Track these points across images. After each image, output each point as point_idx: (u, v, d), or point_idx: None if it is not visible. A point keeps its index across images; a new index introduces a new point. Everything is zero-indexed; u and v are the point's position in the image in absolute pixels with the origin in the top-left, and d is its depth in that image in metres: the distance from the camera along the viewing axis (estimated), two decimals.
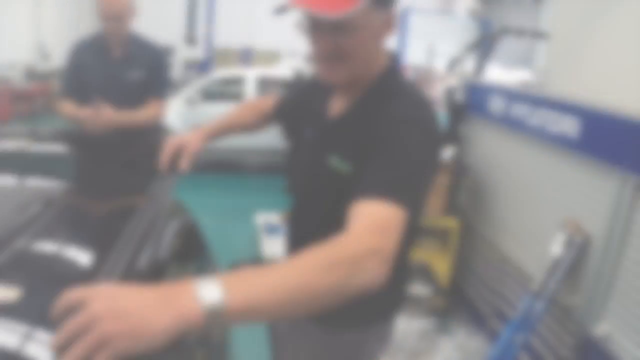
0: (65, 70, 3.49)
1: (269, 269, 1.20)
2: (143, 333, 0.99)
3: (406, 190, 1.53)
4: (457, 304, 5.24)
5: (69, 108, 3.33)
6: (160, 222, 2.14)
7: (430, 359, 4.42)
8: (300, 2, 1.59)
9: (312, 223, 1.98)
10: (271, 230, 7.06)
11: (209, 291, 1.08)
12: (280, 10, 1.64)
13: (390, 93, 1.77)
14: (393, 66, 1.85)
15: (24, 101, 15.69)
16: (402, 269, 1.96)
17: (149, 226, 2.02)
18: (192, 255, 2.61)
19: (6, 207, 2.19)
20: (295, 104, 2.19)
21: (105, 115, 3.09)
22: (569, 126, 3.53)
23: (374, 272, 1.32)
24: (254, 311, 1.11)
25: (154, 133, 3.48)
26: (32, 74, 17.16)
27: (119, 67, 3.38)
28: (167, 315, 1.02)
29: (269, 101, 2.37)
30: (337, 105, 1.91)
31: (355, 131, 1.77)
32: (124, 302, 1.01)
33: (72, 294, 1.02)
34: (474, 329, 4.79)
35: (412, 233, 1.75)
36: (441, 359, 4.41)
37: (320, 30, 1.67)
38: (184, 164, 2.11)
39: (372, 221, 1.43)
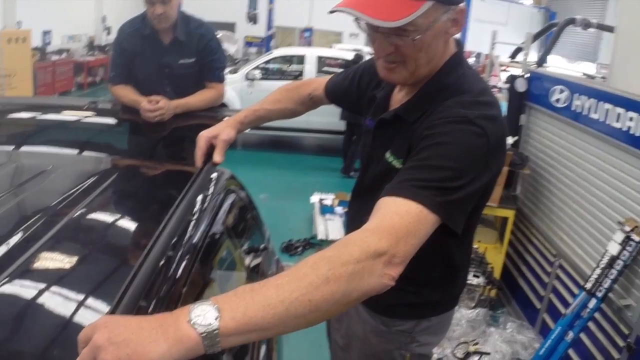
0: (114, 57, 3.43)
1: (267, 284, 1.12)
2: None
3: (439, 192, 1.39)
4: (509, 295, 5.18)
5: (125, 91, 3.27)
6: (215, 197, 2.13)
7: (478, 349, 4.35)
8: (355, 6, 1.48)
9: (367, 214, 1.91)
10: (326, 210, 7.08)
11: (204, 314, 1.03)
12: (335, 11, 1.53)
13: (450, 87, 1.64)
14: (458, 56, 1.71)
15: (84, 72, 16.18)
16: (455, 267, 1.94)
17: (204, 200, 2.01)
18: (245, 232, 2.61)
19: (66, 175, 2.22)
20: (354, 88, 2.07)
21: (163, 106, 3.04)
22: (633, 122, 3.42)
23: (380, 276, 1.23)
24: (252, 330, 1.07)
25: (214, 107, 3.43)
26: (93, 47, 17.65)
27: (170, 54, 3.31)
28: (164, 341, 0.99)
29: (315, 83, 2.26)
30: (398, 97, 1.82)
31: (409, 129, 1.67)
32: (122, 331, 0.99)
33: (87, 328, 1.02)
34: (525, 323, 4.70)
35: (463, 235, 1.65)
36: (489, 350, 4.34)
37: (380, 32, 1.56)
38: (218, 156, 2.03)
39: (387, 220, 1.33)
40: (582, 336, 3.61)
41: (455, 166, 1.44)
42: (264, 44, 19.54)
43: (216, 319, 1.03)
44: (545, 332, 4.20)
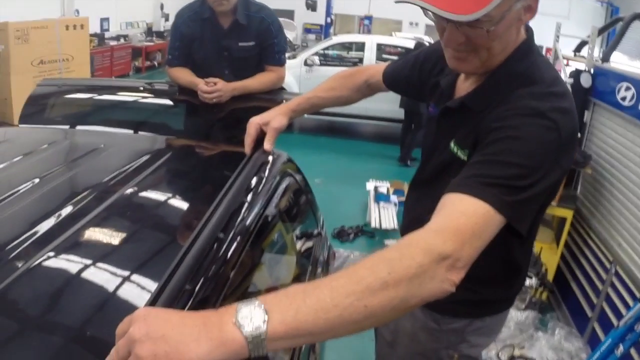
0: (173, 40, 3.40)
1: (320, 285, 1.05)
2: (178, 359, 0.93)
3: (507, 191, 1.32)
4: (559, 300, 5.03)
5: (183, 73, 3.25)
6: (271, 180, 2.10)
7: (523, 354, 4.26)
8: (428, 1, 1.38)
9: (427, 205, 1.85)
10: (380, 198, 7.03)
11: (251, 316, 0.97)
12: (403, 2, 1.44)
13: (521, 76, 1.54)
14: (528, 42, 1.60)
15: (142, 56, 16.51)
16: (515, 266, 1.86)
17: (258, 182, 1.98)
18: (299, 216, 2.59)
19: (118, 153, 2.23)
20: (415, 74, 1.99)
21: (221, 88, 3.04)
22: None
23: (441, 282, 1.16)
24: (301, 335, 1.00)
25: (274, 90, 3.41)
26: (151, 33, 17.98)
27: (229, 37, 3.28)
28: (206, 342, 0.94)
29: (371, 70, 2.20)
30: (464, 85, 1.73)
31: (475, 118, 1.58)
32: (161, 326, 0.94)
33: (125, 320, 0.99)
34: (574, 330, 4.56)
35: (527, 242, 1.57)
36: (535, 355, 4.24)
37: (450, 22, 1.46)
38: (268, 144, 2.03)
39: (453, 221, 1.25)
40: (633, 352, 3.40)
41: (525, 163, 1.37)
42: (323, 31, 19.54)
43: (264, 321, 0.97)
44: (594, 343, 4.06)
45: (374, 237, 6.48)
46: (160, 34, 17.92)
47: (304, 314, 1.00)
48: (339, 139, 11.04)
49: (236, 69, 3.27)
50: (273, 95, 3.20)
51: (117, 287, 1.32)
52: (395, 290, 1.07)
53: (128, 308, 1.19)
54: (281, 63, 3.40)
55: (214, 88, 3.00)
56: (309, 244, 2.62)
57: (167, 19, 18.13)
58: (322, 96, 2.22)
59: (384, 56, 11.11)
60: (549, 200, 1.66)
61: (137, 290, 1.32)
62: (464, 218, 1.25)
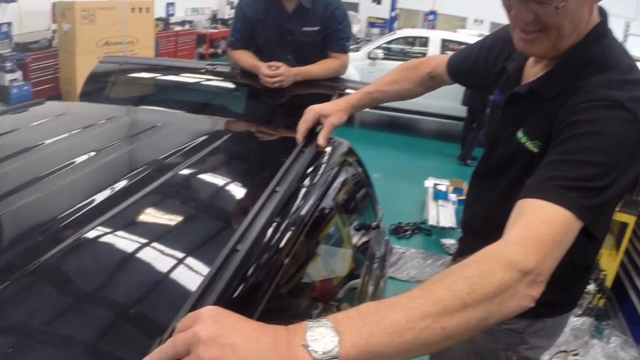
0: (236, 22, 3.36)
1: (395, 305, 0.97)
2: None
3: (586, 194, 1.22)
4: (617, 307, 4.87)
5: (245, 56, 3.20)
6: (330, 169, 2.03)
7: (577, 359, 4.14)
8: None
9: (490, 198, 1.77)
10: (439, 196, 6.94)
11: (322, 338, 0.90)
12: None
13: (595, 61, 1.44)
14: (602, 26, 1.49)
15: (206, 43, 16.63)
16: (582, 266, 1.76)
17: (317, 170, 1.92)
18: (358, 207, 2.51)
19: (176, 131, 2.21)
20: (481, 62, 1.89)
21: (283, 72, 2.96)
22: None
23: (522, 299, 1.08)
24: (374, 358, 0.92)
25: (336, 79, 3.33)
26: (216, 20, 18.14)
27: (293, 21, 3.21)
28: None
29: (435, 61, 2.11)
30: (533, 70, 1.63)
31: (546, 106, 1.50)
32: (231, 333, 0.89)
33: (190, 316, 0.93)
34: (630, 339, 4.40)
35: (596, 242, 1.46)
36: None
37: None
38: (322, 138, 1.96)
39: (533, 231, 1.15)
40: None
41: (604, 161, 1.26)
42: (387, 25, 19.46)
43: (335, 345, 0.89)
44: None
45: (431, 235, 6.42)
46: (225, 22, 18.05)
47: (378, 337, 0.92)
48: (399, 134, 10.92)
49: (299, 55, 3.21)
50: (336, 83, 3.10)
51: (167, 267, 1.29)
52: (474, 311, 1.00)
53: (176, 289, 1.21)
54: (345, 50, 3.30)
55: (276, 72, 2.92)
56: (367, 237, 2.53)
57: (232, 7, 18.23)
58: (384, 90, 2.14)
59: (448, 52, 10.88)
60: (621, 198, 1.52)
61: (187, 272, 1.30)
62: (544, 227, 1.16)
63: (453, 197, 6.96)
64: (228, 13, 18.19)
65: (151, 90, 3.11)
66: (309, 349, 0.88)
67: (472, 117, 9.30)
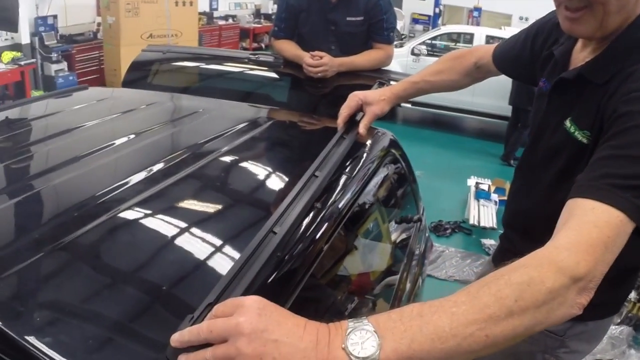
0: (279, 12, 3.35)
1: (439, 310, 0.92)
2: None
3: (638, 192, 1.13)
4: None
5: (288, 46, 3.18)
6: (372, 159, 1.98)
7: None
8: None
9: (534, 193, 1.70)
10: (481, 195, 6.83)
11: (362, 342, 0.87)
12: None
13: None
14: None
15: (249, 38, 16.68)
16: (630, 267, 1.66)
17: (358, 160, 1.87)
18: (400, 199, 2.47)
19: (216, 118, 2.20)
20: (527, 50, 1.82)
21: (326, 62, 2.93)
22: None
23: (570, 307, 1.02)
24: None
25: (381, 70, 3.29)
26: (259, 15, 18.19)
27: (337, 10, 3.16)
28: None
29: (481, 51, 2.04)
30: (581, 55, 1.54)
31: (596, 93, 1.41)
32: (276, 329, 0.86)
33: (231, 302, 0.91)
34: None
35: None
36: None
37: None
38: (363, 127, 1.91)
39: (584, 235, 1.07)
40: None
41: None
42: (430, 21, 19.30)
43: (376, 350, 0.87)
44: None
45: (472, 234, 6.33)
46: (268, 17, 18.09)
47: (420, 342, 0.89)
48: (442, 132, 10.78)
49: (343, 45, 3.16)
50: (380, 74, 3.04)
51: (202, 246, 1.28)
52: (520, 319, 0.95)
53: (211, 268, 1.21)
54: (390, 41, 3.24)
55: (320, 62, 2.89)
56: (407, 233, 2.47)
57: (275, 2, 18.29)
58: (430, 80, 2.09)
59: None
60: None
61: (222, 252, 1.29)
62: (596, 231, 1.08)
63: (495, 197, 6.86)
64: (271, 8, 18.24)
65: (193, 78, 3.10)
66: (348, 353, 0.86)
67: (517, 116, 9.14)
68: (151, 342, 1.00)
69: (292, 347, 0.85)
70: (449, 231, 6.30)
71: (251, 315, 0.86)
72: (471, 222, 6.30)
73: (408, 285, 2.21)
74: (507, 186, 7.03)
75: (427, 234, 2.94)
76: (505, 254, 1.96)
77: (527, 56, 1.82)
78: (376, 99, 1.96)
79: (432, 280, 4.99)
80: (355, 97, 1.95)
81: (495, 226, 6.18)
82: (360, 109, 1.96)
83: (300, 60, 2.95)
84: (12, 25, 7.86)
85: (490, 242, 5.95)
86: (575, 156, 1.46)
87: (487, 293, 0.94)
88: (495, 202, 6.75)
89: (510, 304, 0.93)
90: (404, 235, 2.43)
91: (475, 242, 6.16)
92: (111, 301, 1.06)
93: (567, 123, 1.49)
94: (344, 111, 1.94)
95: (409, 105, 10.40)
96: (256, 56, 3.06)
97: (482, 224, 6.23)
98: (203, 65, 3.14)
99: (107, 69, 10.83)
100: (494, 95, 9.57)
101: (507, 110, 9.42)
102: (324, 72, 2.91)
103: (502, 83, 9.18)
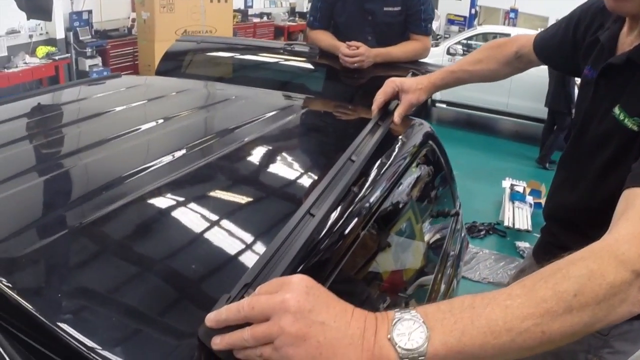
0: (315, 1, 3.29)
1: (492, 303, 0.86)
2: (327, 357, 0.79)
3: None
4: None
5: (324, 36, 3.13)
6: (408, 151, 1.90)
7: None
8: None
9: (580, 185, 1.63)
10: (516, 197, 6.72)
11: (409, 333, 0.81)
12: None
13: None
14: None
15: (284, 36, 16.68)
16: None
17: (392, 148, 1.80)
18: (436, 195, 2.40)
19: (252, 106, 2.16)
20: (569, 37, 1.75)
21: (363, 52, 2.87)
22: None
23: (632, 304, 0.93)
24: (464, 358, 0.83)
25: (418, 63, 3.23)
26: (294, 13, 18.31)
27: (374, 1, 3.10)
28: (359, 351, 0.80)
29: (522, 40, 1.98)
30: (628, 40, 1.49)
31: None
32: (324, 311, 0.81)
33: (278, 280, 0.85)
34: None
35: None
36: None
37: None
38: (398, 117, 1.85)
39: None
40: None
41: None
42: (466, 22, 19.21)
43: (424, 342, 0.80)
44: None
45: (506, 236, 6.22)
46: (302, 15, 18.14)
47: (471, 336, 0.82)
48: (476, 133, 10.66)
49: (380, 36, 3.09)
50: (416, 66, 2.98)
51: (239, 226, 1.26)
52: (579, 315, 0.87)
53: (248, 248, 1.16)
54: (427, 32, 3.17)
55: (356, 52, 2.83)
56: (444, 230, 2.39)
57: (310, 0, 18.34)
58: (468, 70, 2.04)
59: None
60: None
61: (259, 232, 1.25)
62: None
63: (530, 199, 6.75)
64: (306, 6, 18.29)
65: (228, 69, 3.09)
66: (394, 344, 0.80)
67: (553, 118, 9.01)
68: (184, 324, 0.94)
69: (339, 332, 0.80)
70: (483, 232, 6.21)
71: (299, 293, 0.80)
72: (506, 223, 6.21)
73: (443, 287, 2.13)
74: (543, 189, 6.93)
75: (463, 234, 2.86)
76: (548, 248, 1.89)
77: (569, 44, 1.75)
78: (413, 87, 1.91)
79: (465, 282, 4.90)
80: (392, 83, 1.90)
81: (530, 228, 6.07)
82: (396, 95, 1.91)
83: (337, 50, 2.90)
84: (46, 14, 7.86)
85: (525, 245, 5.85)
86: (625, 145, 1.40)
87: (543, 286, 0.87)
88: (531, 204, 6.64)
89: (569, 299, 0.86)
90: (439, 235, 2.36)
91: (510, 244, 6.06)
92: (142, 281, 1.03)
93: (616, 110, 1.43)
94: (380, 97, 1.89)
95: (443, 105, 10.33)
96: (291, 46, 3.02)
97: (516, 226, 6.12)
98: (237, 56, 3.11)
99: (141, 64, 10.94)
100: (530, 97, 9.48)
101: (543, 112, 9.30)
102: (361, 63, 2.85)
103: (539, 85, 9.07)
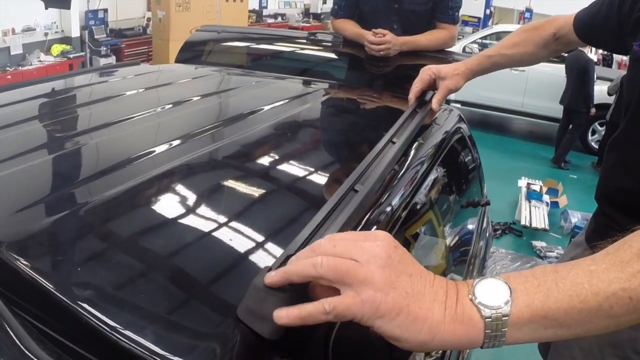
0: None
1: (575, 267, 0.80)
2: (412, 315, 0.73)
3: None
4: None
5: (349, 25, 3.07)
6: (439, 139, 1.86)
7: None
8: None
9: (635, 168, 1.56)
10: (532, 196, 6.67)
11: (492, 292, 0.76)
12: None
13: None
14: None
15: None
16: None
17: (426, 136, 1.76)
18: (466, 185, 2.37)
19: (271, 92, 2.16)
20: (613, 14, 1.67)
21: (389, 40, 2.81)
22: None
23: None
24: (549, 325, 0.76)
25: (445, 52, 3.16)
26: (308, 14, 18.38)
27: None
28: (440, 309, 0.74)
29: (559, 21, 1.91)
30: None
31: None
32: (412, 264, 0.77)
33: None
34: None
35: None
36: None
37: None
38: (437, 103, 1.81)
39: None
40: None
41: None
42: (480, 23, 19.21)
43: (507, 300, 0.75)
44: None
45: (522, 236, 6.16)
46: (317, 16, 18.20)
47: (556, 299, 0.76)
48: (490, 133, 10.59)
49: (406, 24, 3.03)
50: (443, 55, 2.94)
51: (281, 200, 1.23)
52: None
53: (291, 222, 1.11)
54: (455, 21, 3.11)
55: (383, 39, 2.78)
56: (472, 224, 2.34)
57: (324, 2, 18.33)
58: (506, 54, 1.97)
59: None
60: None
61: (301, 206, 1.23)
62: None
63: (546, 197, 6.71)
64: (320, 7, 18.31)
65: (249, 58, 3.02)
66: (477, 302, 0.75)
67: (568, 117, 8.95)
68: (222, 302, 0.87)
69: (425, 287, 0.75)
70: (499, 232, 6.15)
71: (387, 243, 0.76)
72: (522, 222, 6.16)
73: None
74: (560, 187, 6.88)
75: (489, 232, 2.82)
76: (605, 231, 1.82)
77: (614, 21, 1.67)
78: (450, 73, 1.86)
79: None
80: (428, 71, 1.87)
81: (547, 227, 6.05)
82: (433, 83, 1.88)
83: (362, 38, 2.85)
84: (65, 1, 7.80)
85: (542, 244, 5.80)
86: None
87: (628, 252, 0.80)
88: (547, 203, 6.61)
89: None
90: (470, 224, 2.31)
91: (526, 243, 6.01)
92: (176, 258, 0.97)
93: None
94: (417, 85, 1.85)
95: (458, 105, 10.29)
96: (315, 36, 2.99)
97: (533, 225, 6.09)
98: (259, 46, 3.07)
99: (155, 63, 10.93)
100: (545, 96, 9.43)
101: (557, 112, 9.26)
102: (387, 51, 2.79)
103: (554, 84, 9.02)
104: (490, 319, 0.74)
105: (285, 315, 0.73)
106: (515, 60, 2.00)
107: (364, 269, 0.72)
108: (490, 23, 19.41)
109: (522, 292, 0.76)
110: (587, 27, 1.81)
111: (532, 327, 0.76)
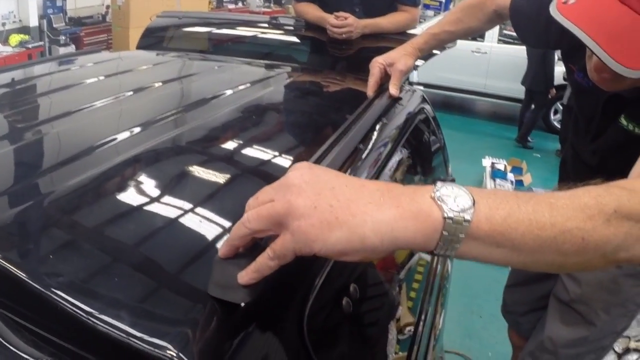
0: None
1: (536, 197, 0.79)
2: (346, 225, 0.71)
3: None
4: None
5: (311, 8, 3.03)
6: (403, 120, 1.86)
7: (638, 346, 3.89)
8: (587, 27, 1.19)
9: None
10: (497, 175, 6.78)
11: (455, 196, 0.74)
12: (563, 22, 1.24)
13: None
14: None
15: None
16: None
17: (390, 116, 1.75)
18: (432, 163, 2.40)
19: (229, 75, 2.16)
20: (545, 14, 1.58)
21: (351, 23, 2.80)
22: None
23: None
24: (503, 244, 0.75)
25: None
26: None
27: None
28: (389, 209, 0.72)
29: (498, 1, 1.95)
30: None
31: None
32: (333, 179, 0.75)
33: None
34: None
35: None
36: None
37: None
38: (394, 88, 1.83)
39: None
40: None
41: None
42: (442, 7, 19.22)
43: (470, 207, 0.74)
44: None
45: None
46: (278, 1, 18.02)
47: (517, 219, 0.75)
48: (453, 115, 10.66)
49: (367, 7, 3.05)
50: (404, 37, 2.94)
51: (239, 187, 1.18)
52: (616, 231, 0.80)
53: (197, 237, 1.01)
54: (416, 4, 3.15)
55: (345, 22, 2.78)
56: None
57: None
58: (451, 30, 2.06)
59: (505, 32, 10.64)
60: None
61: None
62: None
63: (511, 176, 6.79)
64: None
65: (211, 43, 3.00)
66: (440, 202, 0.74)
67: (530, 97, 9.05)
68: (194, 283, 0.85)
69: (353, 193, 0.73)
70: None
71: (300, 169, 0.75)
72: None
73: (439, 267, 2.09)
74: (524, 166, 6.96)
75: None
76: None
77: (544, 21, 1.66)
78: (398, 57, 1.90)
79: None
80: (376, 64, 1.89)
81: None
82: (385, 72, 1.89)
83: (324, 22, 2.85)
84: None
85: None
86: (633, 144, 1.40)
87: (586, 195, 0.81)
88: (512, 181, 6.69)
89: (609, 212, 0.80)
90: None
91: None
92: (166, 221, 0.99)
93: (623, 121, 1.47)
94: (371, 80, 1.87)
95: (421, 87, 10.31)
96: (276, 20, 2.98)
97: None
98: (221, 31, 3.06)
99: (116, 51, 10.82)
100: (507, 77, 9.53)
101: (519, 92, 9.36)
102: (349, 34, 2.79)
103: (515, 66, 9.13)
104: (451, 220, 0.73)
105: (245, 274, 0.75)
106: (460, 35, 2.09)
107: (280, 203, 0.72)
108: (451, 6, 19.48)
109: (485, 205, 0.75)
110: (520, 17, 1.87)
111: (486, 242, 0.75)
